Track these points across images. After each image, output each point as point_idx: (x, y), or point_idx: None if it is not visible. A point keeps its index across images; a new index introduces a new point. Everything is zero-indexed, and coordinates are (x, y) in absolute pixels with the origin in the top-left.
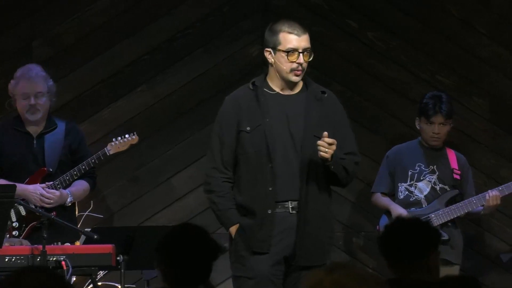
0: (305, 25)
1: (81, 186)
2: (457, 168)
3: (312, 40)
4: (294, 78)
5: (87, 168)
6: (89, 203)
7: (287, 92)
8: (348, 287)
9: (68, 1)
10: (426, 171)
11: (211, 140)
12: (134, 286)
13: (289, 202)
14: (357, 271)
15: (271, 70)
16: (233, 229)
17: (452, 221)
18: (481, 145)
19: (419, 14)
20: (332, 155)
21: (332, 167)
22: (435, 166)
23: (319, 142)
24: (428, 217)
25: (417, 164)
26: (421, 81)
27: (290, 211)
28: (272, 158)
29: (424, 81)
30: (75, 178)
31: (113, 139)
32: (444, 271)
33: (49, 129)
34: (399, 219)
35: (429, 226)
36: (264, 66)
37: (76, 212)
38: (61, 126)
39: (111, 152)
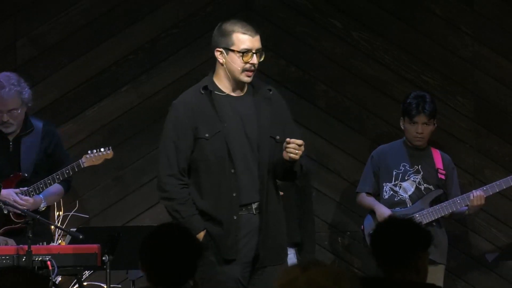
0: (289, 25)
1: (55, 191)
2: (441, 168)
3: (296, 39)
4: (246, 79)
5: (61, 178)
6: (75, 203)
7: (237, 93)
8: (322, 285)
9: (52, 1)
10: (411, 171)
11: (164, 146)
12: (119, 286)
13: (252, 204)
14: (331, 269)
15: (221, 71)
16: (200, 235)
17: (437, 220)
18: (466, 144)
19: (403, 14)
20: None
21: (294, 167)
22: (419, 166)
23: (290, 145)
24: (413, 217)
25: (402, 164)
26: (405, 81)
27: (254, 212)
28: (234, 163)
29: (408, 81)
30: (49, 186)
31: (89, 152)
32: (429, 270)
33: (26, 132)
34: (392, 218)
35: (420, 227)
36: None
37: (56, 213)
38: (38, 128)
39: (85, 165)
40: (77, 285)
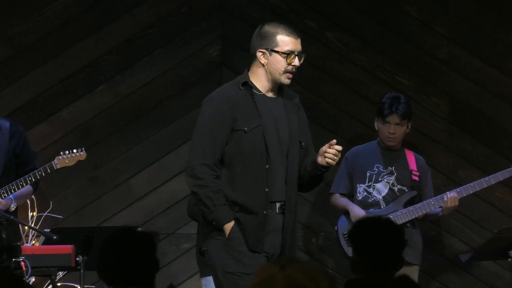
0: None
1: (24, 191)
2: (415, 169)
3: None
4: (287, 81)
5: (33, 180)
6: (48, 203)
7: (270, 95)
8: (300, 283)
9: (27, 1)
10: (384, 172)
11: (200, 135)
12: (93, 286)
13: (277, 202)
14: (309, 267)
15: (259, 71)
16: (229, 225)
17: (411, 222)
18: (440, 145)
19: (378, 15)
20: None
21: (324, 174)
22: (393, 167)
23: (330, 150)
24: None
25: (376, 165)
26: (380, 81)
27: (277, 212)
28: (268, 159)
29: (383, 81)
30: (21, 187)
31: (61, 153)
32: (403, 271)
33: None
34: (374, 219)
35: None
36: (223, 66)
37: (30, 213)
38: (5, 128)
39: (58, 166)
40: (51, 286)
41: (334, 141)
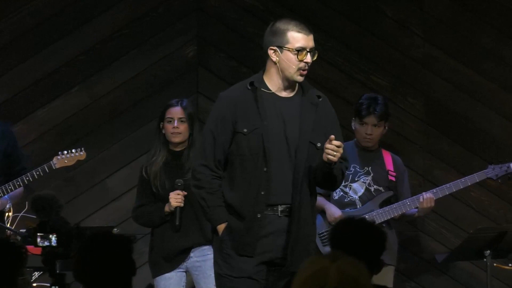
0: (241, 26)
1: (19, 191)
2: (392, 169)
3: (248, 40)
4: (299, 78)
5: (31, 180)
6: (24, 203)
7: (284, 94)
8: (351, 274)
9: (2, 1)
10: (361, 172)
11: (204, 136)
12: None
13: (279, 205)
14: (354, 260)
15: (272, 69)
16: (221, 227)
17: (387, 222)
18: (416, 145)
19: (354, 15)
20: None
21: (335, 170)
22: (370, 168)
23: (328, 145)
24: (365, 217)
25: (352, 165)
26: (356, 82)
27: (279, 214)
28: (267, 162)
29: (359, 81)
30: (17, 187)
31: (59, 153)
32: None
33: None
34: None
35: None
36: (199, 66)
37: (6, 213)
38: None
39: (56, 166)
40: None
41: (332, 136)
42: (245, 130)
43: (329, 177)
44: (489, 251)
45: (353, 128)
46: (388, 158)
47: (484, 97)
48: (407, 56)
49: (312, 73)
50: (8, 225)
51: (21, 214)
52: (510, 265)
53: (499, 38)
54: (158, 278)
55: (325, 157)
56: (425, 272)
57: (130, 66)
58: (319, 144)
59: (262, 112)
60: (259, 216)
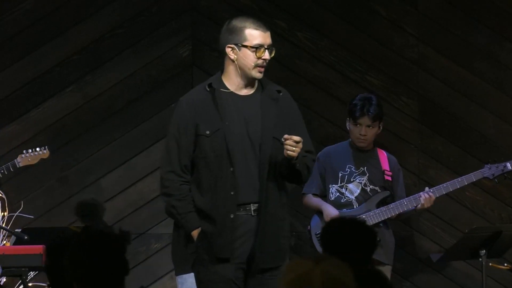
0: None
1: None
2: (388, 169)
3: None
4: (258, 75)
5: None
6: (19, 203)
7: (244, 92)
8: (336, 276)
9: None
10: (356, 172)
11: (167, 142)
12: None
13: (251, 204)
14: (339, 262)
15: (230, 68)
16: (195, 233)
17: (384, 222)
18: (410, 145)
19: (348, 15)
20: (298, 154)
21: (298, 165)
22: (365, 168)
23: (287, 141)
24: (360, 217)
25: (348, 166)
26: (350, 81)
27: (252, 214)
28: (232, 162)
29: (353, 81)
30: None
31: (24, 151)
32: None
33: None
34: (344, 219)
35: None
36: (194, 66)
37: (1, 213)
38: None
39: (20, 164)
40: (21, 286)
41: (286, 136)
42: (207, 132)
43: (294, 172)
44: (484, 251)
45: (348, 128)
46: (383, 157)
47: (478, 97)
48: (402, 56)
49: (306, 72)
50: (3, 225)
51: (16, 214)
52: (505, 264)
53: (493, 38)
54: (184, 276)
55: (285, 153)
56: (420, 271)
57: (123, 66)
58: (283, 139)
59: (222, 113)
60: (232, 216)
